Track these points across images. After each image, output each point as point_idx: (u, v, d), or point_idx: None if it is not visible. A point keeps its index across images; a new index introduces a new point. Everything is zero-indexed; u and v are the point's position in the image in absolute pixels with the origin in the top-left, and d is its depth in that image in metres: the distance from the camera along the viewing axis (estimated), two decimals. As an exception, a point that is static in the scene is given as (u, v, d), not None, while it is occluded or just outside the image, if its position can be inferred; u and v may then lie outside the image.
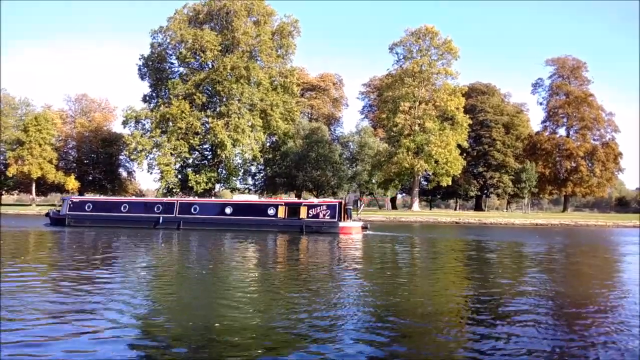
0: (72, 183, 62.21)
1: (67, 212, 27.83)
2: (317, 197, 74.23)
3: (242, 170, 63.51)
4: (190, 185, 55.64)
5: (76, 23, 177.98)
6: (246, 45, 55.91)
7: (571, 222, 44.22)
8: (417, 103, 55.40)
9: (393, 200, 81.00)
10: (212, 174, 57.45)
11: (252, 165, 63.67)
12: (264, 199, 29.49)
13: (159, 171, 55.99)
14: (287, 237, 21.28)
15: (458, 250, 17.53)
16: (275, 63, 59.72)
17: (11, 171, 58.54)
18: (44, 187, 64.05)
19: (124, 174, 75.48)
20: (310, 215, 24.88)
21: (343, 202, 25.69)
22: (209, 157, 60.88)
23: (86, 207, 28.00)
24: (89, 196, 38.06)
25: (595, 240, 24.67)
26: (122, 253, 14.23)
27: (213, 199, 35.33)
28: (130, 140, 55.70)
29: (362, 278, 10.00)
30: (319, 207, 24.98)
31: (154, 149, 56.13)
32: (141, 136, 55.75)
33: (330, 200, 27.46)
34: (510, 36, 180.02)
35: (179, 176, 58.08)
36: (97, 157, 70.97)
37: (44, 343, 5.01)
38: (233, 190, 68.48)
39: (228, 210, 26.14)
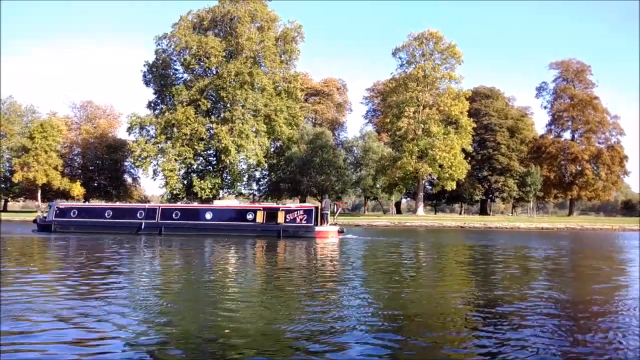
0: (77, 189, 62.54)
1: (53, 219, 28.06)
2: (321, 202, 74.54)
3: (247, 176, 63.66)
4: (194, 191, 55.81)
5: (81, 30, 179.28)
6: (250, 51, 56.20)
7: (577, 225, 44.03)
8: (421, 107, 55.43)
9: (397, 204, 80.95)
10: (217, 180, 57.64)
11: (256, 170, 63.82)
12: (243, 204, 29.59)
13: (163, 177, 56.23)
14: (265, 242, 21.47)
15: (440, 253, 17.59)
16: (279, 68, 59.96)
17: (17, 177, 58.95)
18: (50, 193, 64.38)
19: (129, 180, 75.84)
20: (287, 220, 25.04)
21: (319, 207, 25.88)
22: (214, 162, 61.09)
23: (71, 213, 28.29)
24: (74, 203, 38.55)
25: (602, 244, 24.55)
26: (104, 259, 14.23)
27: (195, 204, 35.76)
28: (135, 147, 55.97)
29: (331, 282, 10.00)
30: (295, 212, 25.20)
31: (159, 155, 56.41)
32: (146, 142, 56.02)
33: (307, 205, 27.72)
34: (513, 39, 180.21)
35: (184, 182, 58.30)
36: (102, 164, 71.34)
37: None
38: (237, 195, 68.61)
39: (208, 215, 26.37)
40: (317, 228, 24.65)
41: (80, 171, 71.27)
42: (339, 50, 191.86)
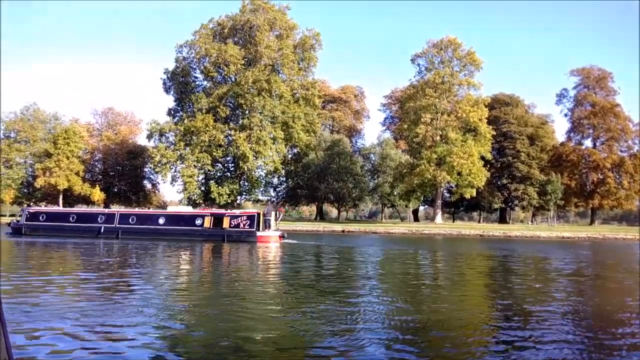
0: (97, 195, 63.42)
1: (24, 222, 29.25)
2: (338, 209, 74.56)
3: (264, 182, 63.91)
4: (212, 197, 56.20)
5: (106, 39, 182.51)
6: (269, 59, 56.61)
7: (599, 235, 43.26)
8: (439, 114, 55.09)
9: (415, 212, 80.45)
10: (235, 186, 57.96)
11: (273, 177, 64.00)
12: (194, 210, 30.76)
13: (182, 183, 56.78)
14: (211, 246, 22.26)
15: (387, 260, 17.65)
16: (297, 76, 60.22)
17: (39, 183, 60.02)
18: (71, 198, 65.39)
19: (149, 185, 76.62)
20: (232, 225, 26.08)
21: (262, 213, 26.72)
22: (232, 169, 61.47)
23: (40, 218, 29.56)
24: (43, 207, 40.11)
25: (625, 255, 24.06)
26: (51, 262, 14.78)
27: (151, 210, 37.11)
28: (155, 153, 56.63)
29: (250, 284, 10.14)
30: (239, 218, 26.31)
31: (178, 162, 56.99)
32: (165, 149, 56.67)
33: (250, 211, 28.61)
34: (534, 46, 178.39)
35: (202, 188, 58.76)
36: (122, 169, 72.25)
37: None
38: (255, 202, 68.95)
39: (161, 220, 27.59)
40: (259, 233, 25.60)
41: (100, 177, 72.28)
42: (357, 57, 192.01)
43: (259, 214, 26.39)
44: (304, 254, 19.27)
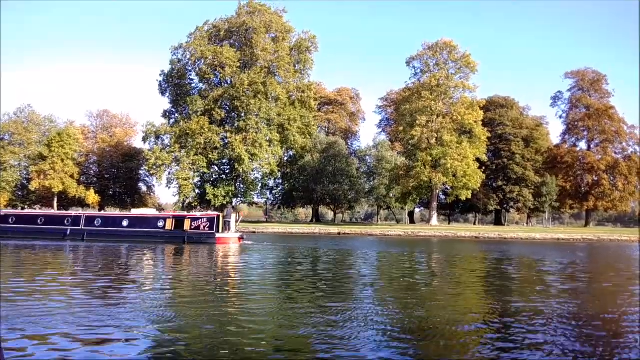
0: (92, 197, 63.17)
1: None
2: (334, 211, 74.57)
3: (260, 185, 63.85)
4: (208, 199, 56.10)
5: (100, 41, 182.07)
6: (265, 62, 56.61)
7: (594, 237, 43.42)
8: (435, 116, 55.21)
9: (411, 214, 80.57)
10: (230, 188, 57.87)
11: (269, 179, 63.96)
12: (157, 213, 31.47)
13: (177, 186, 56.62)
14: (172, 247, 22.76)
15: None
16: (293, 78, 60.23)
17: (34, 185, 59.73)
18: (66, 201, 65.10)
19: (144, 188, 76.39)
20: (192, 227, 26.62)
21: (221, 215, 27.24)
22: (227, 171, 61.36)
23: (10, 220, 30.01)
24: (13, 210, 40.75)
25: (620, 256, 24.15)
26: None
27: (117, 212, 37.56)
28: (150, 155, 56.49)
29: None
30: (200, 220, 26.83)
31: (173, 164, 56.85)
32: (161, 151, 56.51)
33: (210, 213, 28.88)
34: (529, 49, 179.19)
35: (197, 190, 58.61)
36: (117, 172, 71.99)
37: None
38: (250, 204, 68.88)
39: (125, 222, 28.09)
40: (218, 235, 26.11)
41: (96, 179, 72.01)
42: (352, 59, 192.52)
43: (218, 217, 26.92)
44: (254, 256, 19.51)
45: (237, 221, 29.00)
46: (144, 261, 16.50)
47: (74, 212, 33.50)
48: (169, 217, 27.64)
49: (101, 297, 8.75)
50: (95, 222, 28.35)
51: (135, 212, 31.97)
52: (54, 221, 29.36)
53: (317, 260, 17.79)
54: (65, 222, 28.66)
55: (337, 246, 26.61)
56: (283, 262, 17.13)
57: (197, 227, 26.52)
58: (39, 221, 29.49)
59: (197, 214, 29.55)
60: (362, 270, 15.01)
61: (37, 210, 41.66)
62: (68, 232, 27.84)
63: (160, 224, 27.26)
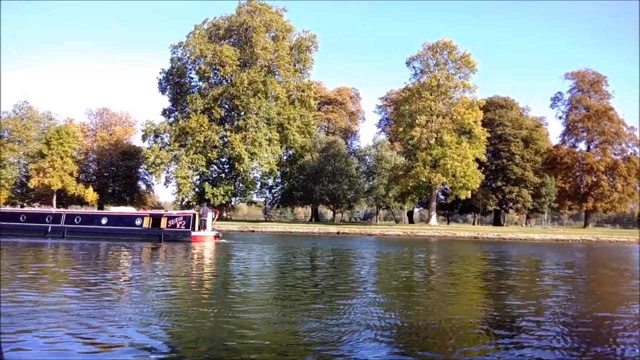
0: (91, 195, 63.10)
1: None
2: (333, 210, 74.53)
3: (260, 184, 63.82)
4: (207, 198, 56.07)
5: (100, 40, 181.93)
6: (264, 60, 56.58)
7: (592, 237, 43.39)
8: (434, 116, 55.19)
9: (410, 214, 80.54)
10: (229, 187, 57.82)
11: (269, 178, 63.93)
12: (135, 211, 31.78)
13: (176, 184, 56.56)
14: (149, 245, 23.03)
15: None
16: (293, 77, 60.22)
17: (33, 183, 59.66)
18: (65, 199, 65.07)
19: (143, 186, 76.36)
20: (169, 225, 26.97)
21: (197, 214, 27.52)
22: (227, 170, 61.33)
23: None
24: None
25: (619, 257, 24.15)
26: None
27: (95, 210, 37.89)
28: (149, 154, 56.42)
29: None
30: (176, 218, 27.25)
31: (172, 162, 56.80)
32: (160, 149, 56.44)
33: (186, 212, 29.43)
34: (529, 49, 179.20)
35: (196, 189, 58.57)
36: (116, 170, 71.95)
37: None
38: (249, 203, 68.79)
39: (104, 220, 28.53)
40: (194, 233, 26.49)
41: (95, 177, 71.96)
42: (352, 59, 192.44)
43: (194, 215, 27.22)
44: (231, 254, 19.70)
45: (213, 219, 29.39)
46: (118, 260, 16.53)
47: (54, 209, 33.71)
48: (146, 216, 28.19)
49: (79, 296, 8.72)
50: (75, 220, 28.82)
51: (114, 210, 32.68)
52: (36, 219, 29.81)
53: (290, 260, 17.71)
54: (46, 219, 29.10)
55: (322, 245, 26.60)
56: (260, 260, 17.23)
57: (174, 226, 26.95)
58: (20, 218, 29.90)
59: (174, 212, 30.19)
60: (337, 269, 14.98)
61: (19, 208, 42.02)
62: (49, 230, 28.26)
63: (138, 222, 27.75)
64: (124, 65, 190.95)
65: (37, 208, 43.72)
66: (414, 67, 58.28)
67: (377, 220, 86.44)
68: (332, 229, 47.50)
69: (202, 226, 27.30)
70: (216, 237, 27.20)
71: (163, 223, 27.12)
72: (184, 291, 9.65)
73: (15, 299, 7.64)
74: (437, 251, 25.17)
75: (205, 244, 24.90)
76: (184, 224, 26.84)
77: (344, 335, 5.89)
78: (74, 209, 42.19)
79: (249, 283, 11.28)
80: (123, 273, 12.51)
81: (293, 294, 9.45)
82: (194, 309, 7.43)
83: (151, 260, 16.51)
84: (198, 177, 59.27)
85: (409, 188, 55.89)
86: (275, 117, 57.18)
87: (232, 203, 63.98)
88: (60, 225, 28.50)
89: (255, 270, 14.19)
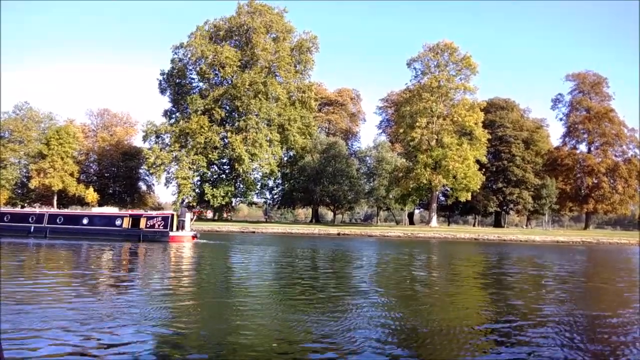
0: (91, 196, 63.07)
1: None
2: (334, 211, 74.46)
3: (260, 185, 63.77)
4: (207, 199, 56.03)
5: (101, 40, 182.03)
6: (265, 61, 56.57)
7: (593, 239, 43.35)
8: (435, 118, 55.13)
9: (410, 215, 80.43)
10: (230, 188, 57.77)
11: (269, 179, 63.89)
12: (115, 212, 32.11)
13: (176, 185, 56.54)
14: (128, 245, 23.39)
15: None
16: (294, 78, 60.21)
17: (33, 183, 59.67)
18: (65, 199, 65.03)
19: (144, 187, 76.35)
20: (148, 226, 27.58)
21: (175, 215, 28.10)
22: (227, 171, 61.30)
23: None
24: None
25: (621, 259, 24.11)
26: None
27: (78, 211, 38.35)
28: (150, 155, 56.42)
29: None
30: (155, 219, 27.86)
31: (173, 163, 56.78)
32: (160, 150, 56.44)
33: (165, 212, 29.99)
34: (530, 51, 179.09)
35: (197, 190, 58.53)
36: (117, 171, 71.96)
37: None
38: (249, 204, 68.73)
39: (85, 221, 29.10)
40: (172, 233, 27.04)
41: (95, 178, 71.96)
42: (352, 59, 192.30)
43: (172, 216, 27.68)
44: (205, 254, 19.91)
45: (191, 220, 29.78)
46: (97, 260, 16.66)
47: (38, 210, 34.07)
48: (126, 216, 28.66)
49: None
50: (58, 220, 29.30)
51: (96, 210, 33.30)
52: (19, 219, 30.32)
53: (261, 260, 17.82)
54: (30, 219, 29.61)
55: (322, 246, 26.56)
56: (234, 260, 17.41)
57: (152, 226, 27.43)
58: (5, 218, 30.38)
59: (153, 213, 30.68)
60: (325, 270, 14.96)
61: (4, 208, 42.33)
62: (32, 230, 28.73)
63: (118, 222, 28.24)
64: (124, 66, 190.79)
65: (20, 209, 43.91)
66: (414, 69, 58.24)
67: (377, 222, 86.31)
68: (333, 230, 47.47)
69: (181, 227, 27.83)
70: (194, 237, 27.60)
71: (142, 223, 27.65)
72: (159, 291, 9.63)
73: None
74: (437, 252, 25.15)
75: (183, 244, 25.30)
76: (162, 224, 27.35)
77: (346, 338, 5.88)
78: (74, 210, 42.41)
79: (233, 285, 11.28)
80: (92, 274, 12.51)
81: (283, 292, 9.44)
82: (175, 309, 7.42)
83: (129, 262, 16.58)
84: (198, 178, 59.25)
85: (410, 189, 55.82)
86: (275, 118, 57.16)
87: (233, 204, 63.90)
88: (42, 225, 29.05)
89: (241, 270, 14.26)
